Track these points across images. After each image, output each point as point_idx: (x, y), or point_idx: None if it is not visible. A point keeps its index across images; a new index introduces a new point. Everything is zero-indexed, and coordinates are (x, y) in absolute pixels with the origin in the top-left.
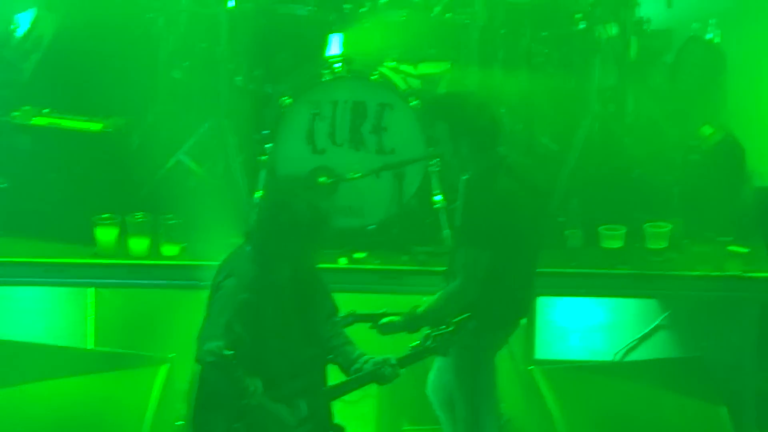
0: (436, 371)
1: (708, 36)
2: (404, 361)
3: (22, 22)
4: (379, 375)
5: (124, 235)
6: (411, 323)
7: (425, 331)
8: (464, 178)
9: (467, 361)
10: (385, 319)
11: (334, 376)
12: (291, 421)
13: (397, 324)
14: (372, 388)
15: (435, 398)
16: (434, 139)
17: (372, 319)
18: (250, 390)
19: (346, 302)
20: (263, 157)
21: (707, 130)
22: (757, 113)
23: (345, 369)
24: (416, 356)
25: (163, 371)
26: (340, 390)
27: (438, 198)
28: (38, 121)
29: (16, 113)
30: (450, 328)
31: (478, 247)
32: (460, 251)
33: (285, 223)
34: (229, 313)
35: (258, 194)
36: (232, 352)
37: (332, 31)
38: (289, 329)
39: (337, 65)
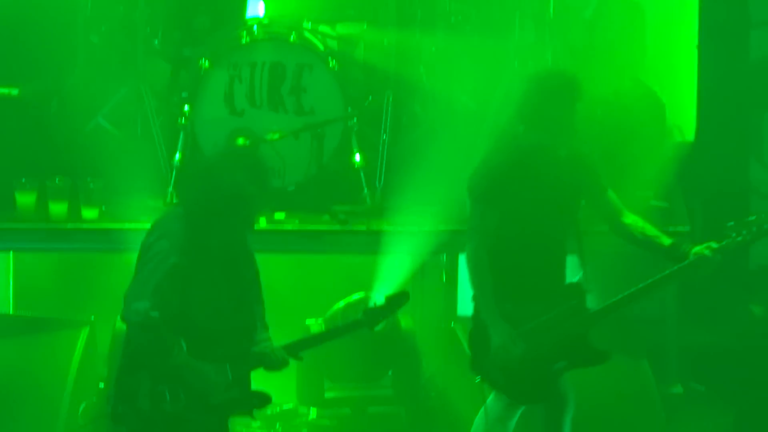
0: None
1: None
2: (326, 336)
3: None
4: (266, 361)
5: (43, 198)
6: None
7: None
8: None
9: None
10: None
11: None
12: (217, 382)
13: None
14: None
15: None
16: None
17: None
18: (176, 351)
19: (266, 263)
20: (182, 121)
21: (627, 85)
22: (676, 68)
23: None
24: (347, 328)
25: (84, 334)
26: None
27: (357, 157)
28: None
29: None
30: (382, 304)
31: None
32: None
33: (213, 200)
34: (159, 275)
35: (177, 157)
36: (158, 313)
37: None
38: (218, 295)
39: (255, 27)
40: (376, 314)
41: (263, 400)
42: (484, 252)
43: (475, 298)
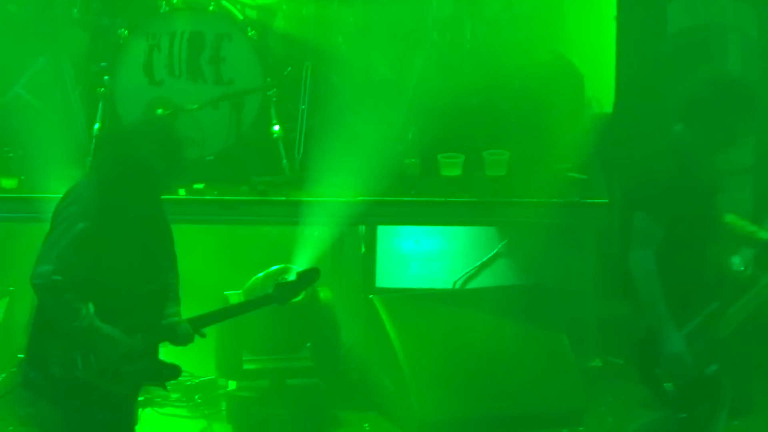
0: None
1: None
2: (236, 310)
3: None
4: (172, 335)
5: None
6: None
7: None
8: None
9: None
10: None
11: None
12: (126, 344)
13: None
14: None
15: None
16: None
17: None
18: (82, 313)
19: (185, 233)
20: (101, 90)
21: (546, 57)
22: (595, 40)
23: None
24: (257, 303)
25: (3, 304)
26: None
27: (276, 128)
28: None
29: None
30: (293, 279)
31: None
32: None
33: (123, 170)
34: (66, 239)
35: (96, 126)
36: (60, 277)
37: None
38: (130, 263)
39: None
40: (286, 290)
41: (174, 371)
42: (653, 262)
43: (647, 309)
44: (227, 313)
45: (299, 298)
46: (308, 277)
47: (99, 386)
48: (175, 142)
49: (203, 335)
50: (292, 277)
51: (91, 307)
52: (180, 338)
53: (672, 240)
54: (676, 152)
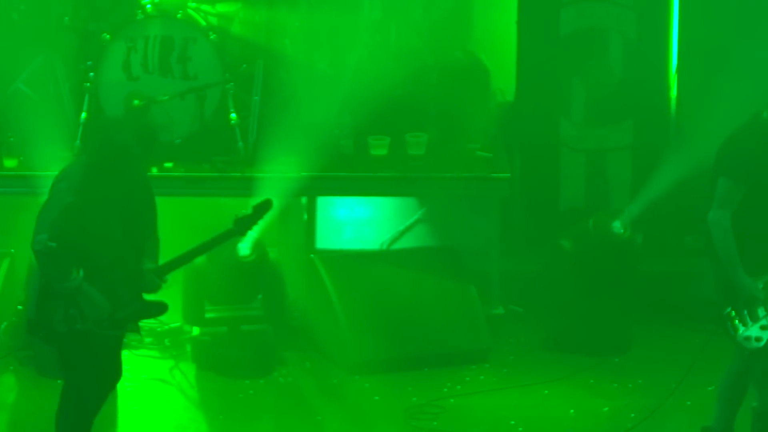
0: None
1: None
2: (195, 253)
3: None
4: (144, 285)
5: None
6: None
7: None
8: None
9: None
10: None
11: None
12: (105, 305)
13: None
14: (179, 275)
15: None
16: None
17: None
18: (72, 275)
19: (160, 205)
20: (87, 84)
21: (458, 55)
22: (499, 40)
23: None
24: (218, 239)
25: (5, 264)
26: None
27: (233, 116)
28: None
29: None
30: (250, 212)
31: None
32: None
33: (107, 154)
34: (56, 211)
35: (83, 115)
36: (54, 244)
37: None
38: (111, 230)
39: (148, 6)
40: (245, 222)
41: (161, 308)
42: (729, 220)
43: (724, 259)
44: (193, 254)
45: (252, 257)
46: (263, 207)
47: (97, 333)
48: (152, 132)
49: (165, 281)
50: (248, 211)
51: (81, 272)
52: (148, 287)
53: (748, 204)
54: (762, 132)
